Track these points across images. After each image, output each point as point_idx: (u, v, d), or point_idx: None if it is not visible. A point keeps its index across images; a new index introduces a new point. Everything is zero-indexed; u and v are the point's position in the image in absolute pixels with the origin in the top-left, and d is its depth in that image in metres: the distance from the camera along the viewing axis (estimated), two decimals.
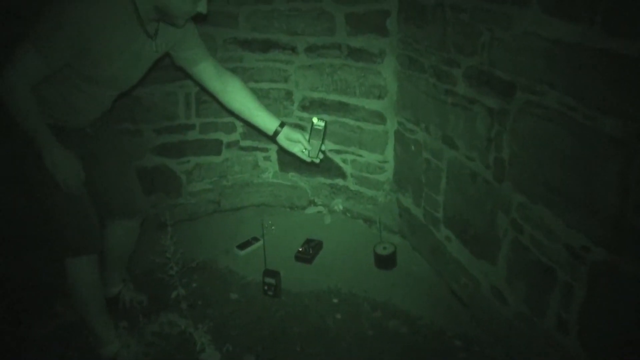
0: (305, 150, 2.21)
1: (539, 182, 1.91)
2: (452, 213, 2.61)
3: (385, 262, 2.93)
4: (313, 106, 3.30)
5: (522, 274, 2.09)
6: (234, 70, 3.18)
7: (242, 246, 3.16)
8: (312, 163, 2.26)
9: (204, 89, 2.37)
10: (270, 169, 3.58)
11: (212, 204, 3.56)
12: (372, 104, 3.12)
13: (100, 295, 2.31)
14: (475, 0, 2.16)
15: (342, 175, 3.41)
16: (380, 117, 3.12)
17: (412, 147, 2.90)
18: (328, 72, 3.18)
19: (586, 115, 1.64)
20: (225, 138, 3.44)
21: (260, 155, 3.53)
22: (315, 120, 2.18)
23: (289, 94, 3.32)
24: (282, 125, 2.24)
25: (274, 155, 3.51)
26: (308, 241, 3.16)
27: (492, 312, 2.33)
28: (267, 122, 2.26)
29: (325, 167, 3.42)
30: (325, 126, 2.18)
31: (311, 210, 3.56)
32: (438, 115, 2.59)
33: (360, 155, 3.29)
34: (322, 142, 2.20)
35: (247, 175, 3.58)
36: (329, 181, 3.47)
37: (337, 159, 3.39)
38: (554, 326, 1.91)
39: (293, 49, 3.19)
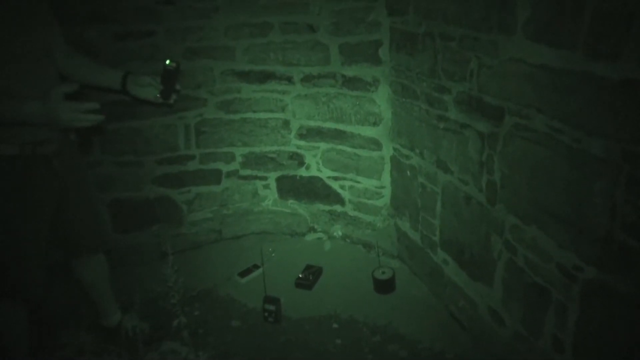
0: (158, 95, 2.18)
1: (531, 203, 1.95)
2: (448, 236, 2.64)
3: (384, 286, 2.95)
4: (310, 134, 3.36)
5: (517, 295, 2.12)
6: (232, 102, 3.30)
7: (243, 274, 3.18)
8: (166, 104, 2.24)
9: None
10: (269, 197, 3.62)
11: (214, 232, 3.59)
12: (368, 131, 3.18)
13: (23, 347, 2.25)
14: (463, 28, 2.23)
15: (341, 201, 3.45)
16: (376, 144, 3.17)
17: (408, 172, 2.95)
18: (324, 101, 3.25)
19: (573, 137, 1.69)
20: (224, 168, 3.48)
21: (259, 183, 3.57)
22: (167, 61, 2.14)
23: (286, 123, 3.38)
24: (126, 74, 2.18)
25: (273, 183, 3.56)
26: (308, 267, 3.19)
27: (490, 333, 2.35)
28: (111, 77, 2.19)
29: (324, 193, 3.46)
30: (178, 68, 2.14)
31: (311, 236, 3.59)
32: (431, 140, 2.64)
33: (358, 182, 3.33)
34: (176, 84, 2.17)
35: (247, 203, 3.61)
36: (327, 207, 3.51)
37: (335, 185, 3.43)
38: (550, 346, 1.93)
39: (289, 79, 3.26)
